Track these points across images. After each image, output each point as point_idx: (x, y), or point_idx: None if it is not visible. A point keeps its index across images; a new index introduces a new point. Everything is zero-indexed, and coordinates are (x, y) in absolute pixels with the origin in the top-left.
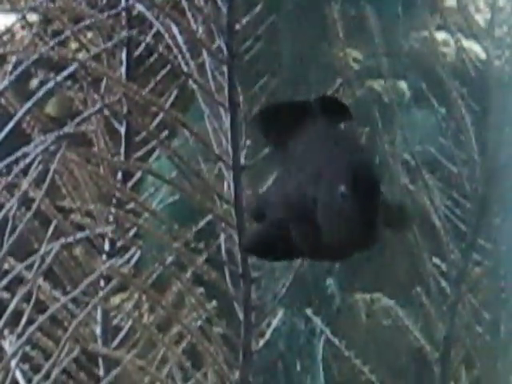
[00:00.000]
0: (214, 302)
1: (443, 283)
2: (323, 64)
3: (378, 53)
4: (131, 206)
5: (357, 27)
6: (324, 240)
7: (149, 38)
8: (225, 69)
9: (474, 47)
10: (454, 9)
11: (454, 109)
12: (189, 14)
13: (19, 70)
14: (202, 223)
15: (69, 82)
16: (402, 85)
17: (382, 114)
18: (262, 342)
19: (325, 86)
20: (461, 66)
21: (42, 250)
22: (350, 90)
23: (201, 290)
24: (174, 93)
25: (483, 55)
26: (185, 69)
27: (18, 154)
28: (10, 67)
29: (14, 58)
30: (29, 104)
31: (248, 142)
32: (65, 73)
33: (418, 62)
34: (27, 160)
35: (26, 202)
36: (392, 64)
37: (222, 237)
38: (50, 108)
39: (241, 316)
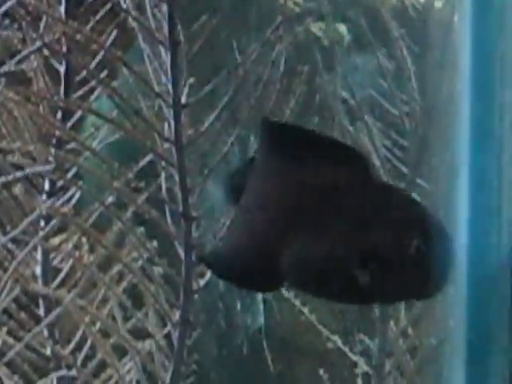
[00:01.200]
0: (155, 242)
1: None
2: (263, 4)
3: None
4: (71, 146)
5: None
6: (385, 289)
7: None
8: (165, 7)
9: None
10: None
11: (394, 49)
12: None
13: None
14: (142, 162)
15: (7, 21)
16: (342, 28)
17: (323, 56)
18: (202, 282)
19: (264, 25)
20: (401, 6)
21: None
22: (291, 32)
23: (141, 229)
24: (114, 32)
25: None
26: (124, 6)
27: None
28: None
29: None
30: None
31: (190, 81)
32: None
33: (358, 4)
34: None
35: None
36: (332, 6)
37: (163, 176)
38: None
39: (182, 255)
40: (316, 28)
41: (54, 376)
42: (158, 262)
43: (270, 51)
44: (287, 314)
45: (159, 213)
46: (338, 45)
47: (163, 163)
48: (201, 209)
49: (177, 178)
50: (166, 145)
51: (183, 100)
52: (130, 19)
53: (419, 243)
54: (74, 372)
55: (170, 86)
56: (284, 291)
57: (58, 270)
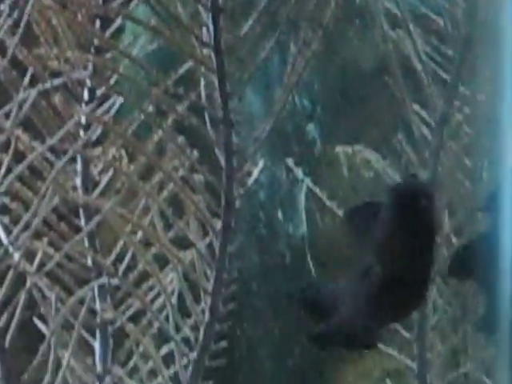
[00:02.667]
0: (196, 152)
1: (425, 130)
2: None
3: None
4: (110, 54)
5: None
6: None
7: None
8: None
9: None
10: None
11: None
12: None
13: None
14: (182, 69)
15: None
16: None
17: None
18: (241, 191)
19: None
20: None
21: (19, 98)
22: None
23: (182, 138)
24: None
25: None
26: None
27: None
28: None
29: None
30: None
31: None
32: None
33: None
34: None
35: (1, 50)
36: None
37: (202, 82)
38: None
39: (222, 161)
40: None
41: (94, 284)
42: (198, 170)
43: None
44: (329, 224)
45: (199, 120)
46: None
47: (203, 69)
48: (241, 114)
49: (216, 83)
50: (206, 50)
51: (221, 4)
52: None
53: None
54: (115, 281)
55: None
56: (326, 200)
57: (97, 183)
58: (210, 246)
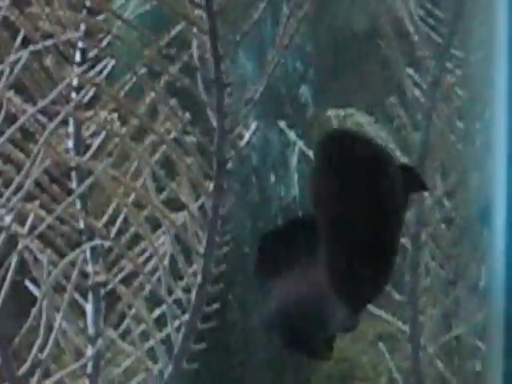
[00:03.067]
0: (188, 114)
1: (417, 93)
2: None
3: None
4: (102, 15)
5: None
6: None
7: None
8: None
9: None
10: None
11: None
12: None
13: None
14: (174, 31)
15: None
16: None
17: None
18: (233, 152)
19: None
20: None
21: (10, 59)
22: None
23: (174, 100)
24: None
25: None
26: None
27: None
28: None
29: None
30: None
31: None
32: None
33: None
34: None
35: None
36: None
37: (194, 43)
38: None
39: (214, 123)
40: None
41: (86, 246)
42: (190, 131)
43: None
44: None
45: (191, 81)
46: None
47: (195, 30)
48: (232, 76)
49: (208, 44)
50: (198, 11)
51: None
52: None
53: None
54: (107, 243)
55: None
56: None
57: (89, 146)
58: (201, 207)
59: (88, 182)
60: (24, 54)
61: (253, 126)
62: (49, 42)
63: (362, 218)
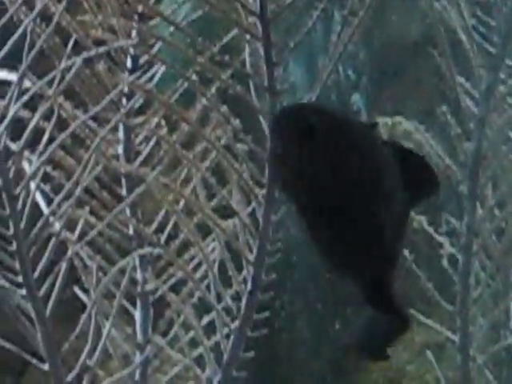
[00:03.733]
0: (238, 121)
1: (469, 102)
2: None
3: None
4: (154, 22)
5: None
6: None
7: None
8: None
9: None
10: None
11: None
12: None
13: None
14: (227, 37)
15: None
16: None
17: None
18: None
19: None
20: None
21: (62, 66)
22: None
23: (225, 107)
24: None
25: None
26: None
27: None
28: None
29: None
30: None
31: None
32: None
33: None
34: None
35: (45, 17)
36: None
37: (247, 50)
38: None
39: (266, 131)
40: None
41: (136, 254)
42: (242, 139)
43: None
44: None
45: (243, 88)
46: None
47: (248, 37)
48: (285, 83)
49: (262, 52)
50: (251, 18)
51: None
52: None
53: None
54: (156, 251)
55: None
56: None
57: (139, 153)
58: (252, 215)
59: (139, 190)
60: (77, 61)
61: None
62: (101, 49)
63: (333, 189)
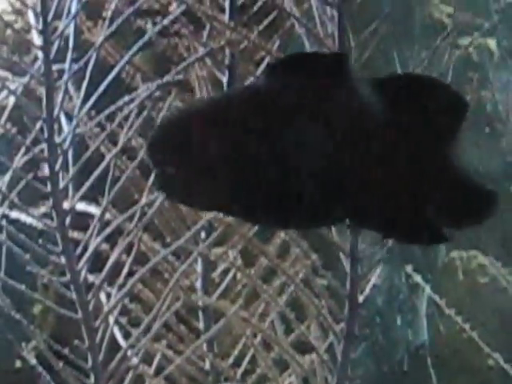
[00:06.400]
0: (316, 256)
1: None
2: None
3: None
4: None
5: None
6: None
7: None
8: (334, 13)
9: None
10: None
11: None
12: None
13: (119, 20)
14: None
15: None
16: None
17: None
18: (361, 298)
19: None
20: None
21: (143, 201)
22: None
23: (305, 243)
24: (277, 41)
25: None
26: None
27: (119, 103)
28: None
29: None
30: (130, 53)
31: None
32: (169, 17)
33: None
34: (131, 106)
35: (127, 151)
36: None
37: None
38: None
39: (347, 267)
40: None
41: None
42: (322, 274)
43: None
44: (448, 330)
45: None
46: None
47: None
48: None
49: None
50: None
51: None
52: (295, 26)
53: None
54: None
55: None
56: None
57: (216, 284)
58: (331, 350)
59: (220, 324)
60: (159, 197)
61: (378, 269)
62: None
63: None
